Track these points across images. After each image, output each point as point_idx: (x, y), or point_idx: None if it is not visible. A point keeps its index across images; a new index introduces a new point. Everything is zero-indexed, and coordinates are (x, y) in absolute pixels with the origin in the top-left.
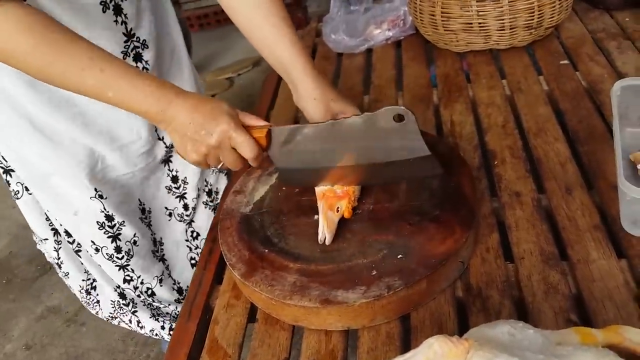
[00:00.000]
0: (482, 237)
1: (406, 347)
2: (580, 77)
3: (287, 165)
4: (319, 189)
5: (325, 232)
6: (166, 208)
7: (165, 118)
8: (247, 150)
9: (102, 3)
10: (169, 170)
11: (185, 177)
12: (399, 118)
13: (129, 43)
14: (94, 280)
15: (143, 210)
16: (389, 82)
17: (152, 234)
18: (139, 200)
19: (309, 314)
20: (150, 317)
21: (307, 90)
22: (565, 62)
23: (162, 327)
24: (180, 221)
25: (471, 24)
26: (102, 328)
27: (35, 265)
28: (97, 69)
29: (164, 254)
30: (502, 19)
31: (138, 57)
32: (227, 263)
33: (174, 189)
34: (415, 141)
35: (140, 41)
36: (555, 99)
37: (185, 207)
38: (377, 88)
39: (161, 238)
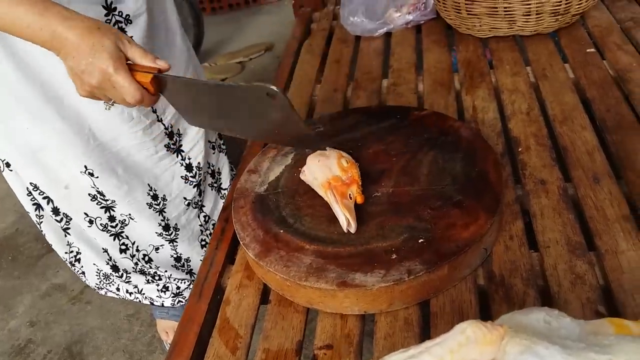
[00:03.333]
0: (506, 225)
1: (425, 333)
2: (608, 65)
3: (180, 109)
4: (322, 179)
5: (350, 220)
6: (185, 198)
7: (52, 47)
8: (128, 96)
9: None
10: (182, 159)
11: (199, 163)
12: (270, 95)
13: (109, 17)
14: (78, 252)
15: (155, 197)
16: (408, 66)
17: (163, 219)
18: (149, 185)
19: (324, 297)
20: (147, 283)
21: None
22: (592, 50)
23: (162, 290)
24: (195, 208)
25: (496, 8)
26: (108, 307)
27: (41, 242)
28: None
29: (176, 238)
30: (529, 4)
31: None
32: (241, 242)
33: (190, 178)
34: (289, 114)
35: (123, 16)
36: (582, 87)
37: (200, 193)
38: (396, 72)
39: (175, 224)
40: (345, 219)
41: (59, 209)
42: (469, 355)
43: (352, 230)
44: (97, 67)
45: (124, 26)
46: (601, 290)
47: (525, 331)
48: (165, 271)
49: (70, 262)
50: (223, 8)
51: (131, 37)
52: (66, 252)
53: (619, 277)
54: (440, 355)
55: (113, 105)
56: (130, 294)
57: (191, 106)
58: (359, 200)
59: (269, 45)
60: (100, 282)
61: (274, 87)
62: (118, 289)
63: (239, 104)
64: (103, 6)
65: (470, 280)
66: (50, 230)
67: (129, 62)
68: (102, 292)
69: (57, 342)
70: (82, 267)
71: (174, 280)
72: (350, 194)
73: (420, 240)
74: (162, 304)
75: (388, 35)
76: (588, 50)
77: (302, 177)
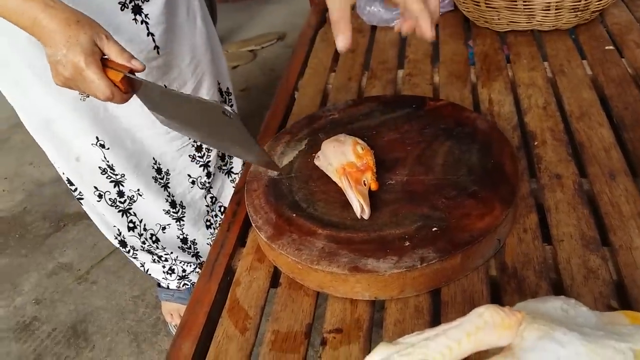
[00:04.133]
0: (520, 218)
1: (436, 321)
2: (626, 63)
3: (152, 109)
4: (336, 164)
5: (364, 206)
6: (189, 175)
7: (33, 34)
8: (98, 91)
9: None
10: (194, 141)
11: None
12: (226, 115)
13: None
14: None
15: (159, 171)
16: (424, 58)
17: (169, 196)
18: (154, 159)
19: (335, 281)
20: (153, 262)
21: None
22: (611, 47)
23: (168, 272)
24: (202, 188)
25: (515, 1)
26: (113, 288)
27: (49, 222)
28: None
29: (182, 216)
30: None
31: (137, 10)
32: (253, 225)
33: (197, 158)
34: (242, 133)
35: None
36: (600, 84)
37: (208, 175)
38: (412, 63)
39: (181, 202)
40: (359, 205)
41: (72, 180)
42: (485, 339)
43: (366, 216)
44: (70, 60)
45: (140, 3)
46: (614, 285)
47: (542, 318)
48: (172, 252)
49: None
50: None
51: (147, 14)
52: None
53: (632, 273)
54: (457, 338)
55: (88, 97)
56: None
57: (160, 109)
58: (373, 187)
59: (281, 34)
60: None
61: (228, 108)
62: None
63: (200, 116)
64: None
65: (483, 270)
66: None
67: (105, 57)
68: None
69: (62, 321)
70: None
71: (180, 262)
72: (364, 181)
73: (434, 229)
74: (168, 286)
75: None
76: (606, 47)
77: (316, 162)
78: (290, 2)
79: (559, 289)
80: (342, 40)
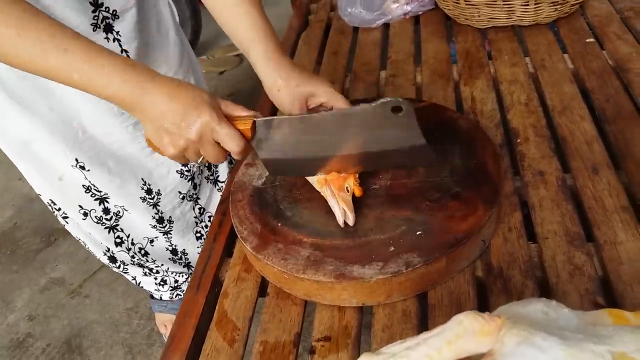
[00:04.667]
0: (504, 217)
1: (423, 325)
2: (607, 55)
3: (273, 157)
4: (317, 177)
5: (347, 213)
6: (179, 192)
7: (137, 105)
8: (232, 144)
9: None
10: None
11: None
12: (396, 109)
13: (96, 13)
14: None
15: (149, 191)
16: (407, 58)
17: (158, 213)
18: (143, 179)
19: (322, 289)
20: (144, 275)
21: (269, 81)
22: (591, 40)
23: (160, 284)
24: (190, 200)
25: None
26: (106, 301)
27: (40, 237)
28: (60, 49)
29: (170, 230)
30: None
31: (108, 28)
32: (239, 236)
33: (185, 172)
34: (412, 131)
35: (110, 11)
36: (581, 77)
37: (195, 186)
38: (394, 63)
39: (170, 217)
40: (342, 211)
41: (54, 201)
42: (466, 346)
43: (350, 222)
44: (200, 119)
45: (111, 22)
46: (600, 281)
47: (523, 322)
48: (162, 265)
49: (83, 242)
50: None
51: (118, 32)
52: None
53: (617, 268)
54: (437, 347)
55: (199, 164)
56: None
57: (286, 147)
58: (357, 193)
59: None
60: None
61: (400, 99)
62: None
63: (356, 128)
64: (90, 2)
65: (469, 272)
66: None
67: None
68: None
69: (56, 336)
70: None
71: (172, 273)
72: (347, 187)
73: (418, 233)
74: (161, 297)
75: (386, 26)
76: (587, 40)
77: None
78: (274, 6)
79: (545, 287)
80: None
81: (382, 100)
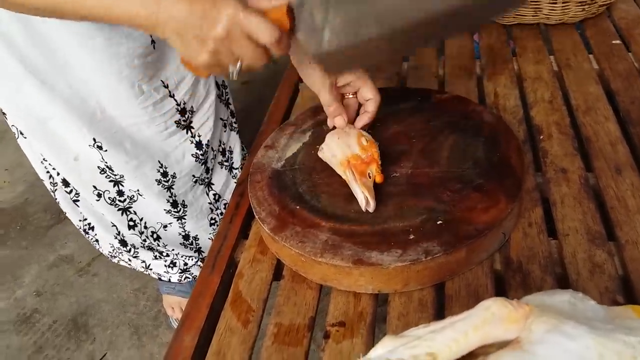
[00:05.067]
0: (525, 212)
1: (440, 315)
2: (633, 58)
3: (327, 47)
4: (341, 156)
5: (369, 198)
6: (193, 176)
7: (158, 21)
8: (265, 33)
9: None
10: (192, 136)
11: (208, 141)
12: None
13: None
14: (90, 223)
15: (165, 174)
16: (430, 51)
17: (172, 197)
18: (159, 162)
19: (339, 274)
20: (154, 259)
21: (300, 55)
22: (617, 42)
23: (169, 266)
24: (202, 184)
25: None
26: (114, 281)
27: (50, 213)
28: None
29: (184, 215)
30: None
31: None
32: (257, 217)
33: (200, 156)
34: None
35: None
36: (607, 78)
37: (207, 170)
38: (417, 55)
39: (183, 200)
40: (364, 198)
41: (68, 181)
42: (492, 333)
43: (371, 209)
44: (223, 11)
45: None
46: (620, 280)
47: (551, 310)
48: (173, 249)
49: (84, 230)
50: None
51: None
52: (80, 220)
53: (638, 268)
54: (463, 331)
55: (239, 71)
56: (143, 266)
57: (342, 27)
58: (378, 179)
59: None
60: (113, 250)
61: None
62: (129, 259)
63: None
64: None
65: (487, 264)
66: (63, 198)
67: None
68: (115, 260)
69: (63, 313)
70: (95, 234)
71: (182, 257)
72: (369, 173)
73: (438, 222)
74: (169, 279)
75: None
76: (613, 42)
77: (320, 154)
78: None
79: (564, 283)
80: (339, 120)
81: None
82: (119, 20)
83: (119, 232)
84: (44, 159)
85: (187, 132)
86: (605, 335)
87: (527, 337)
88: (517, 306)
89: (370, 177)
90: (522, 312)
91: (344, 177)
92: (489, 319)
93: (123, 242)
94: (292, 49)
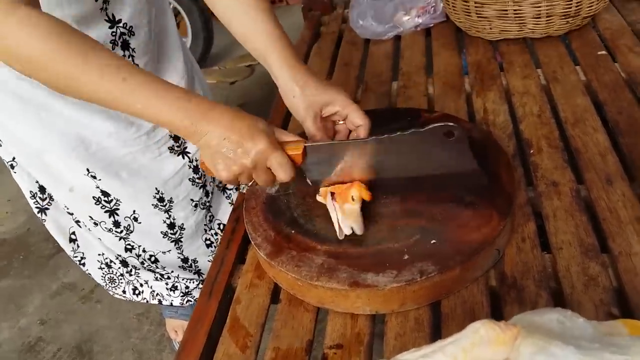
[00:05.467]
0: (518, 227)
1: (436, 334)
2: (620, 68)
3: (322, 178)
4: (322, 190)
5: (343, 228)
6: (192, 200)
7: (195, 132)
8: (285, 173)
9: None
10: (189, 161)
11: None
12: (448, 134)
13: (114, 29)
14: (83, 257)
15: (162, 199)
16: (418, 69)
17: (169, 218)
18: (157, 189)
19: (336, 297)
20: (155, 280)
21: (286, 87)
22: (603, 52)
23: (171, 289)
24: (203, 209)
25: (506, 10)
26: (117, 307)
27: (52, 242)
28: (119, 78)
29: (180, 237)
30: (539, 7)
31: (125, 45)
32: (253, 242)
33: (196, 180)
34: (464, 156)
35: (127, 27)
36: (594, 89)
37: (207, 194)
38: (406, 75)
39: (182, 224)
40: (337, 224)
41: (67, 207)
42: (482, 355)
43: (358, 231)
44: (256, 147)
45: (127, 38)
46: (614, 292)
47: (538, 331)
48: (172, 271)
49: (78, 261)
50: None
51: (133, 49)
52: (72, 250)
53: (632, 279)
54: (453, 354)
55: (249, 186)
56: (137, 294)
57: (333, 170)
58: (366, 197)
59: None
60: (105, 284)
61: (452, 124)
62: (124, 291)
63: (405, 152)
64: (106, 20)
65: (482, 281)
66: (55, 230)
67: None
68: (110, 292)
69: (67, 341)
70: (87, 269)
71: (183, 280)
72: (352, 196)
73: (432, 241)
74: (171, 303)
75: (397, 38)
76: (599, 52)
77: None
78: (287, 17)
79: (559, 297)
80: None
81: (434, 125)
82: (161, 123)
83: (119, 254)
84: (39, 190)
85: (183, 158)
86: (591, 355)
87: (515, 358)
88: (505, 328)
89: (354, 200)
90: (510, 333)
91: (329, 207)
92: (477, 341)
93: (124, 263)
94: None
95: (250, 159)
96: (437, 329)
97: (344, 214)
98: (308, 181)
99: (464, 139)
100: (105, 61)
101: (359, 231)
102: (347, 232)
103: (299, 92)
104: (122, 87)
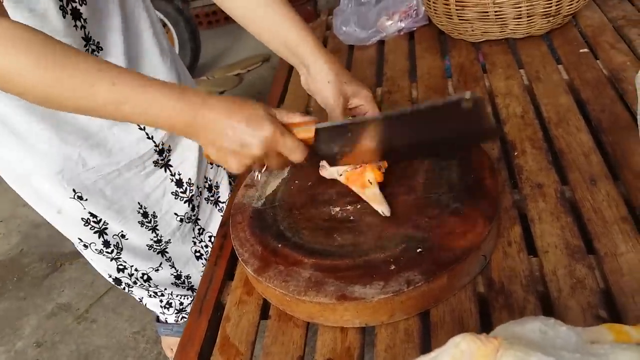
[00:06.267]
0: (504, 231)
1: (426, 344)
2: (602, 65)
3: (336, 157)
4: (338, 175)
5: (381, 208)
6: (176, 214)
7: (193, 129)
8: (298, 155)
9: (61, 8)
10: (172, 175)
11: (189, 179)
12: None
13: (87, 48)
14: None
15: (145, 214)
16: (402, 74)
17: (157, 236)
18: (139, 203)
19: (324, 311)
20: (149, 297)
21: (320, 73)
22: (585, 50)
23: (165, 306)
24: (189, 222)
25: (487, 12)
26: (113, 325)
27: (46, 263)
28: (107, 83)
29: (166, 249)
30: (519, 7)
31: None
32: (240, 259)
33: (180, 194)
34: (481, 117)
35: (97, 44)
36: (576, 88)
37: (193, 208)
38: (390, 79)
39: (169, 239)
40: (378, 208)
41: (59, 230)
42: None
43: (387, 213)
44: (262, 135)
45: (97, 54)
46: (602, 294)
47: (520, 342)
48: (165, 289)
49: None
50: (219, 21)
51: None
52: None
53: (618, 280)
54: None
55: (262, 172)
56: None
57: (345, 150)
58: (379, 179)
59: (266, 56)
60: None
61: (468, 96)
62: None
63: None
64: (82, 37)
65: (470, 288)
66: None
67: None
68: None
69: None
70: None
71: (177, 296)
72: (369, 180)
73: (418, 250)
74: (166, 320)
75: (381, 43)
76: (581, 50)
77: (322, 173)
78: None
79: (546, 301)
80: None
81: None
82: (155, 124)
83: (110, 274)
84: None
85: (165, 171)
86: None
87: None
88: (486, 341)
89: (371, 183)
90: (492, 346)
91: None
92: (458, 356)
93: (117, 281)
94: None
95: (260, 148)
96: (427, 339)
97: (367, 199)
98: (323, 163)
99: (481, 101)
100: (93, 67)
101: (387, 212)
102: (385, 213)
103: (333, 78)
104: (112, 92)
